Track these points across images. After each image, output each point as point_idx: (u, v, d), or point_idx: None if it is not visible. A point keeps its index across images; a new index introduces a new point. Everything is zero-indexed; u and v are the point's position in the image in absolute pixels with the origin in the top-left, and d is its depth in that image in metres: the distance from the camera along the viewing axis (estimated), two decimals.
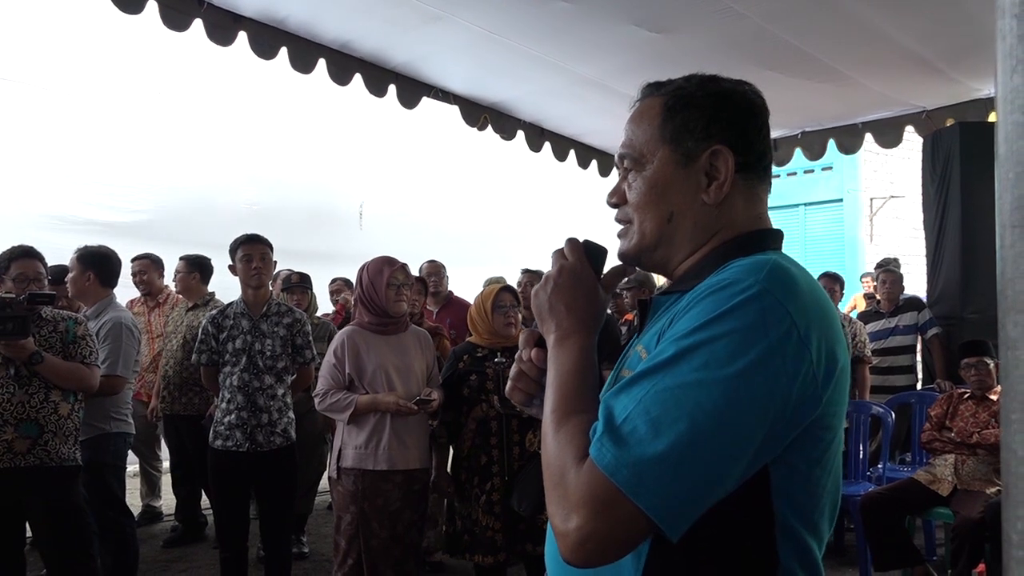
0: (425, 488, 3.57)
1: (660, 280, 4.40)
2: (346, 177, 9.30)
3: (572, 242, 1.14)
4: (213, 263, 5.12)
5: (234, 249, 3.85)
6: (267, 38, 4.44)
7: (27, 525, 3.42)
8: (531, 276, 5.38)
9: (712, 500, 0.87)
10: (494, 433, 3.49)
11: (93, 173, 7.37)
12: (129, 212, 7.38)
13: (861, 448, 4.84)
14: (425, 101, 5.33)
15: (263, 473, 3.74)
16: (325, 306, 6.21)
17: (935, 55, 4.64)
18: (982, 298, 5.38)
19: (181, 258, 5.20)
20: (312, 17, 4.42)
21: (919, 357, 6.13)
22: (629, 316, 5.51)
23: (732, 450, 0.87)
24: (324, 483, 5.08)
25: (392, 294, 3.52)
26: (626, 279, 5.34)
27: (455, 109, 5.53)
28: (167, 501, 5.71)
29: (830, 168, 13.16)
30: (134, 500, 5.40)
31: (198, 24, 4.17)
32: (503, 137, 5.96)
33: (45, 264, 3.60)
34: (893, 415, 4.87)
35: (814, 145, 6.16)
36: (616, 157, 1.16)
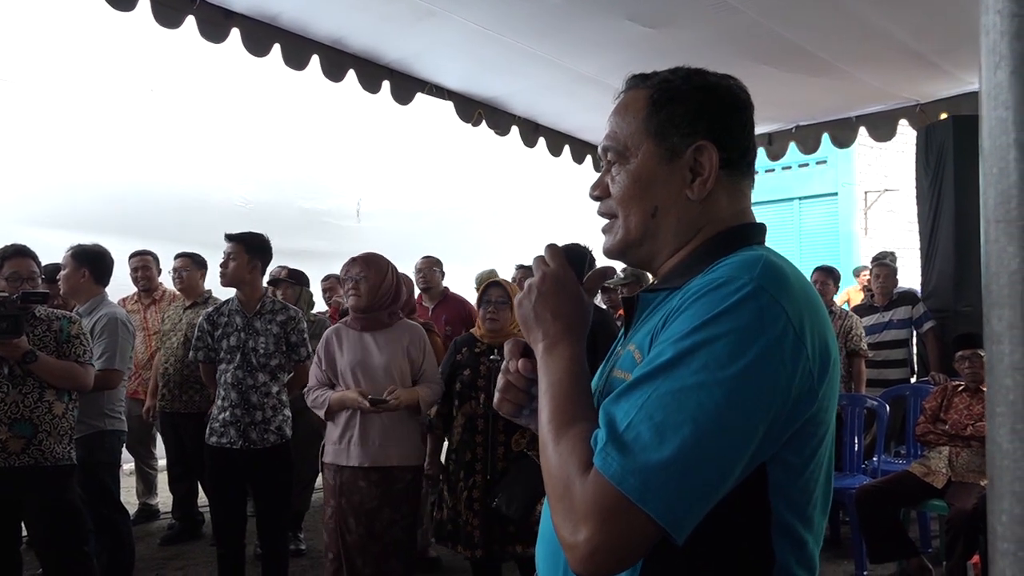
0: (411, 486, 3.51)
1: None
2: (342, 174, 9.30)
3: (552, 248, 1.13)
4: (208, 260, 5.13)
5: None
6: (260, 34, 4.43)
7: (22, 524, 3.43)
8: (525, 272, 5.39)
9: (715, 500, 0.87)
10: (480, 431, 3.49)
11: (85, 171, 7.35)
12: (122, 210, 7.35)
13: (856, 441, 4.86)
14: (419, 97, 5.32)
15: (257, 470, 3.74)
16: (324, 303, 6.21)
17: (928, 49, 4.65)
18: (975, 291, 5.36)
19: (185, 255, 5.18)
20: (305, 13, 4.41)
21: (914, 351, 6.14)
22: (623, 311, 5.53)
23: (736, 450, 0.87)
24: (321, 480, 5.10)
25: (345, 288, 3.53)
26: (623, 275, 5.36)
27: (449, 105, 5.53)
28: (163, 499, 5.71)
29: (824, 162, 13.18)
30: (130, 498, 5.41)
31: (190, 21, 4.16)
32: (497, 133, 5.96)
33: (39, 263, 3.59)
34: (888, 408, 4.89)
35: (808, 139, 6.18)
36: (599, 149, 1.15)
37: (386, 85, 5.09)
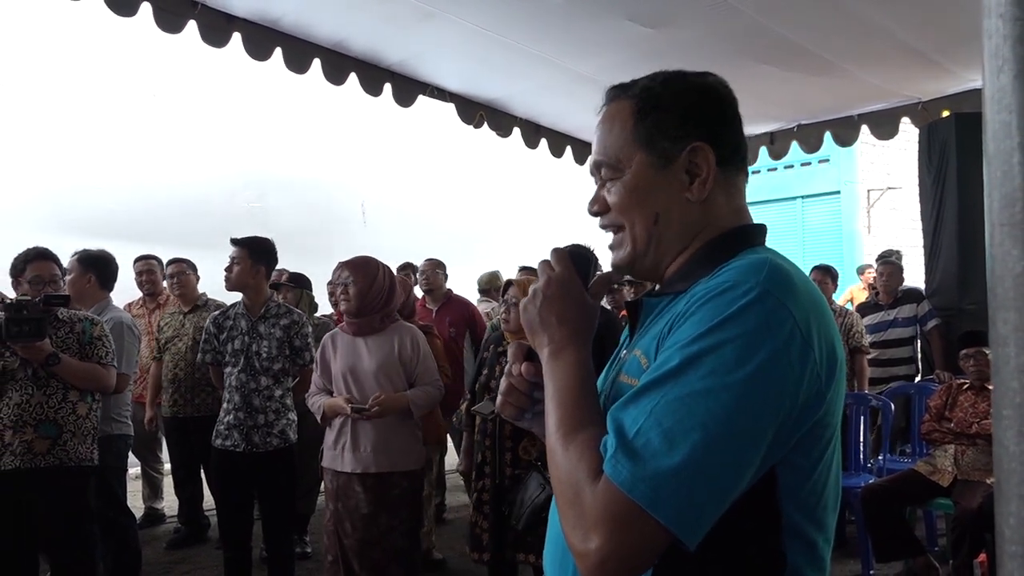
0: (409, 492, 3.48)
1: None
2: (345, 176, 9.31)
3: (558, 252, 1.12)
4: (211, 263, 5.12)
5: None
6: (261, 39, 4.43)
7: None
8: (528, 274, 5.38)
9: (727, 504, 0.88)
10: (488, 434, 3.48)
11: (89, 176, 7.37)
12: (126, 214, 7.37)
13: (861, 440, 4.85)
14: (421, 99, 5.32)
15: (260, 474, 3.75)
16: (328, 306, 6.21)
17: (930, 46, 4.64)
18: (980, 289, 5.38)
19: (178, 260, 5.17)
20: (306, 17, 4.42)
21: (919, 348, 6.11)
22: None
23: (746, 455, 0.87)
24: None
25: (336, 293, 3.53)
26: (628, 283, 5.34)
27: (451, 107, 5.53)
28: (169, 503, 5.71)
29: (827, 160, 13.14)
30: (136, 502, 5.41)
31: (192, 26, 4.16)
32: (499, 134, 5.96)
33: (61, 266, 3.63)
34: (892, 406, 4.88)
35: (810, 138, 6.16)
36: (591, 165, 1.14)
37: (388, 88, 5.09)
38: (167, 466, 5.62)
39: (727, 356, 0.87)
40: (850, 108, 5.83)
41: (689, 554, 0.87)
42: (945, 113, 5.56)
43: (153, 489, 5.78)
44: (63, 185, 7.19)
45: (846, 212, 13.58)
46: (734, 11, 4.09)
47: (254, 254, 3.82)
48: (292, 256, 5.44)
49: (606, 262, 1.22)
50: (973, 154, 5.31)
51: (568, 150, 6.48)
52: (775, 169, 12.84)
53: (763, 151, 6.24)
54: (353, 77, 4.89)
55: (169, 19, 4.08)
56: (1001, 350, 0.50)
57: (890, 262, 6.14)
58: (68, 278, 4.12)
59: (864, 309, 6.11)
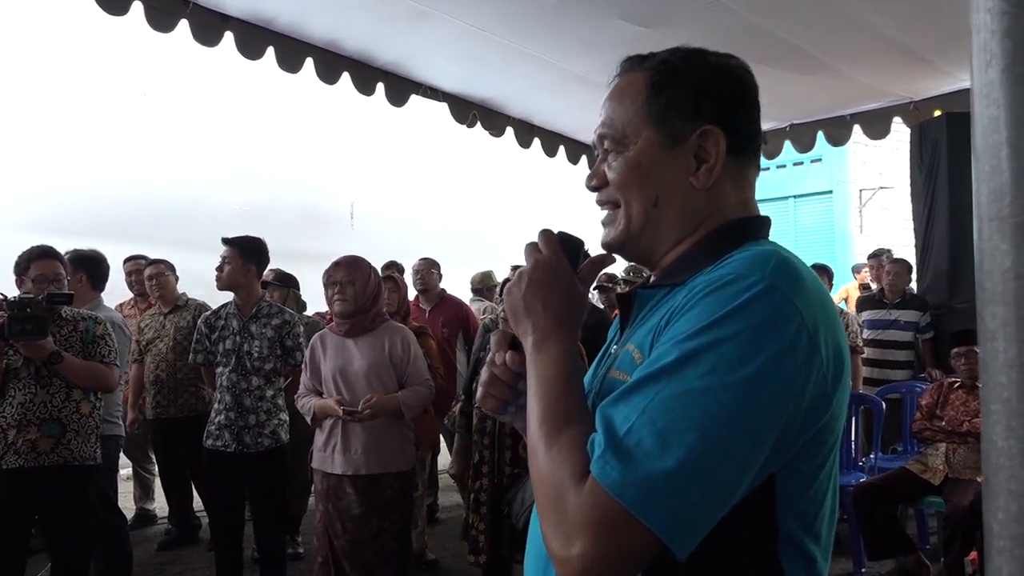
0: (399, 494, 3.46)
1: None
2: (336, 176, 9.31)
3: (546, 234, 1.04)
4: (200, 263, 5.11)
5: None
6: (253, 38, 4.41)
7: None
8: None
9: (722, 513, 0.82)
10: (487, 432, 3.45)
11: (79, 176, 7.34)
12: (116, 214, 7.34)
13: (853, 439, 4.87)
14: (414, 99, 5.31)
15: (252, 474, 3.74)
16: (319, 305, 6.19)
17: (921, 46, 4.66)
18: (970, 288, 5.23)
19: (159, 261, 5.14)
20: (299, 16, 4.41)
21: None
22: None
23: (745, 459, 0.81)
24: None
25: (330, 294, 3.47)
26: (626, 275, 5.34)
27: (444, 106, 5.52)
28: (161, 504, 5.69)
29: (819, 160, 13.19)
30: (127, 503, 5.39)
31: (184, 25, 4.15)
32: (492, 134, 5.96)
33: (65, 264, 3.62)
34: (884, 405, 4.90)
35: (803, 137, 6.18)
36: (595, 137, 1.07)
37: (380, 87, 5.08)
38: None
39: (729, 353, 0.81)
40: (842, 108, 5.85)
41: (678, 564, 0.81)
42: (937, 113, 5.58)
43: (144, 490, 5.75)
44: (53, 185, 7.17)
45: (838, 211, 13.64)
46: (727, 11, 4.10)
47: (245, 253, 3.80)
48: (281, 257, 5.42)
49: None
50: (964, 153, 5.31)
51: (561, 149, 6.49)
52: (768, 168, 12.85)
53: None
54: (346, 76, 4.89)
55: (161, 18, 4.07)
56: (990, 345, 0.50)
57: (900, 260, 6.07)
58: None
59: (865, 303, 6.09)
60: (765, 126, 6.18)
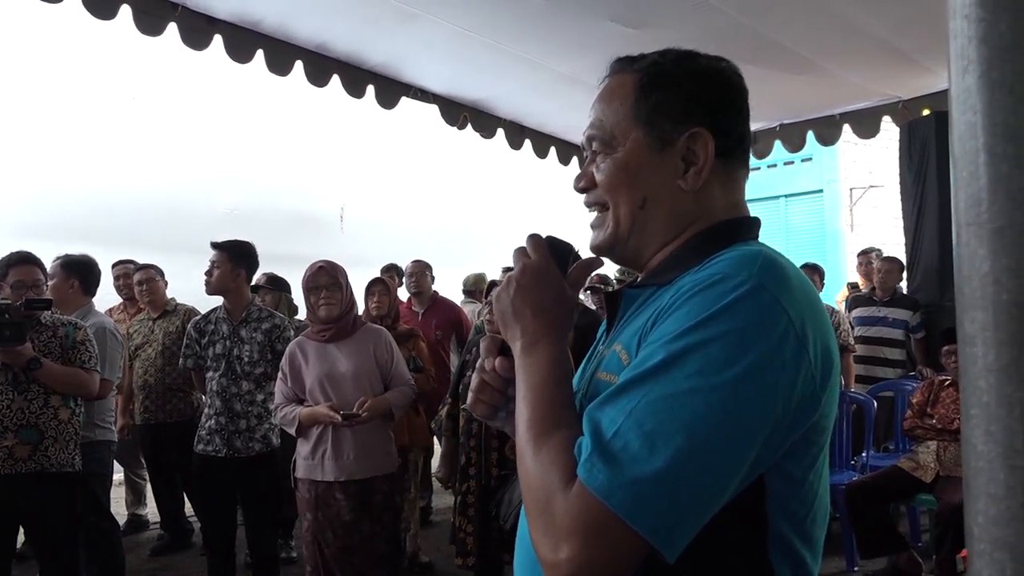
0: (389, 497, 3.45)
1: None
2: (326, 179, 9.30)
3: (535, 238, 1.04)
4: (191, 267, 5.09)
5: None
6: (242, 40, 4.40)
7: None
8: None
9: (711, 515, 0.81)
10: (474, 434, 3.45)
11: (68, 180, 7.32)
12: (106, 218, 7.32)
13: (845, 437, 4.88)
14: (404, 101, 5.31)
15: (243, 479, 3.73)
16: None
17: (909, 45, 4.68)
18: None
19: (149, 266, 5.13)
20: (288, 19, 4.40)
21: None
22: None
23: (733, 461, 0.81)
24: None
25: (313, 299, 3.42)
26: (620, 275, 5.35)
27: (434, 109, 5.52)
28: (153, 509, 5.67)
29: (809, 159, 13.22)
30: (120, 509, 5.37)
31: (172, 28, 4.13)
32: (483, 136, 5.95)
33: (44, 270, 3.61)
34: (875, 403, 4.92)
35: (793, 137, 6.20)
36: (583, 138, 1.07)
37: (370, 89, 5.08)
38: None
39: (715, 354, 0.81)
40: (832, 107, 5.88)
41: (668, 565, 0.80)
42: (925, 112, 5.62)
43: (136, 495, 5.73)
44: (41, 189, 7.14)
45: (829, 210, 13.68)
46: (716, 11, 4.11)
47: (234, 258, 3.79)
48: (272, 260, 5.41)
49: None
50: None
51: (552, 151, 6.49)
52: (758, 168, 12.83)
53: None
54: (336, 79, 4.88)
55: (149, 21, 4.05)
56: (969, 349, 0.51)
57: (891, 259, 6.09)
58: (51, 283, 4.09)
59: (855, 301, 6.12)
60: (755, 126, 6.20)
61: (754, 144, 6.30)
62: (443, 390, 5.07)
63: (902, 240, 6.15)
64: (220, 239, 3.86)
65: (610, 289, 5.41)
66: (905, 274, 6.06)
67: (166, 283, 5.16)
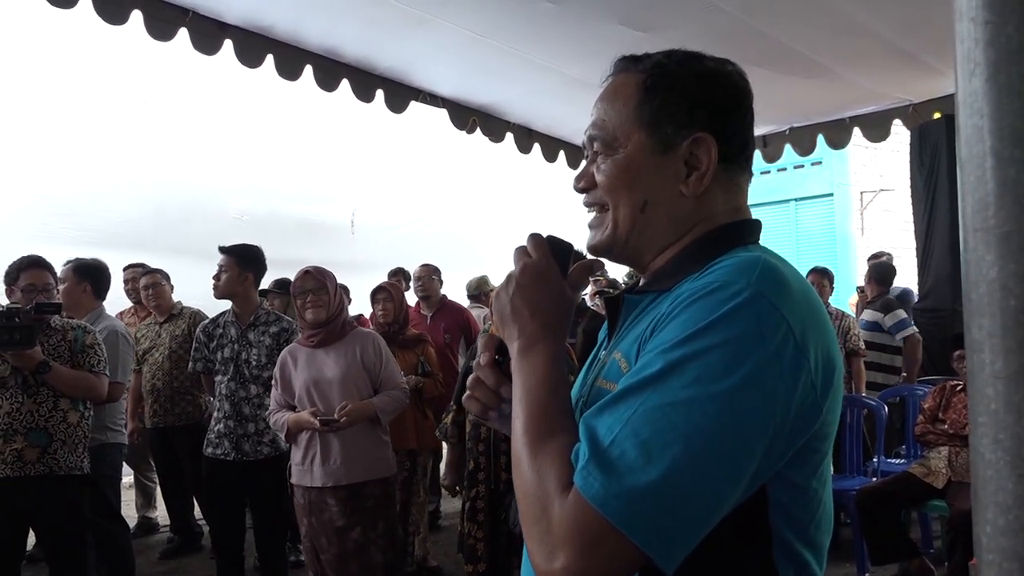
0: (382, 501, 3.39)
1: None
2: (336, 184, 9.30)
3: (535, 238, 1.03)
4: (202, 272, 5.11)
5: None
6: (253, 45, 4.43)
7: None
8: None
9: (710, 526, 0.80)
10: (482, 439, 3.42)
11: (80, 184, 7.36)
12: (116, 222, 7.36)
13: (856, 443, 4.85)
14: (413, 105, 5.32)
15: (251, 482, 3.73)
16: None
17: (920, 48, 4.66)
18: None
19: (155, 270, 5.15)
20: (297, 24, 4.42)
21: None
22: None
23: (731, 472, 0.80)
24: None
25: (300, 303, 3.40)
26: (632, 278, 5.34)
27: (443, 113, 5.53)
28: (163, 512, 5.69)
29: (820, 163, 13.19)
30: (130, 512, 5.39)
31: (183, 33, 4.16)
32: (492, 139, 5.96)
33: (55, 275, 3.63)
34: (886, 408, 4.88)
35: (803, 141, 6.18)
36: (585, 138, 1.05)
37: (380, 94, 5.09)
38: None
39: (713, 363, 0.80)
40: (842, 111, 5.85)
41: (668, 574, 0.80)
42: (936, 115, 5.58)
43: (146, 498, 5.75)
44: (52, 193, 7.18)
45: (839, 214, 13.63)
46: (725, 14, 4.10)
47: (242, 262, 3.81)
48: (282, 265, 5.43)
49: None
50: None
51: (561, 154, 6.49)
52: (768, 172, 12.86)
53: (756, 154, 6.23)
54: (345, 83, 4.90)
55: (160, 27, 4.08)
56: (976, 356, 0.50)
57: (875, 262, 6.13)
58: (63, 287, 4.12)
59: (859, 306, 6.13)
60: (765, 129, 6.20)
61: (764, 147, 6.29)
62: (451, 394, 5.08)
63: (913, 244, 6.12)
64: (228, 243, 3.88)
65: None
66: (916, 278, 6.04)
67: (172, 287, 5.18)
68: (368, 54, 4.84)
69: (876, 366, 5.76)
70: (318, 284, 3.37)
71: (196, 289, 5.33)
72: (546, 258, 1.01)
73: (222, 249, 3.83)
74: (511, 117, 5.98)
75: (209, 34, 4.26)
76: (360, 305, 5.77)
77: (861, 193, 13.57)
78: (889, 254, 7.08)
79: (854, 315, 6.18)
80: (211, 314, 4.22)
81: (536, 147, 6.29)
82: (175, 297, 5.20)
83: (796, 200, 14.00)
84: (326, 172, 9.19)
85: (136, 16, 3.97)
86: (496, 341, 1.06)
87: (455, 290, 6.35)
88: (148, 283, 5.06)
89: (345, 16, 4.37)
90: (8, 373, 3.25)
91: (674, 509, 0.77)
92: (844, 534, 4.76)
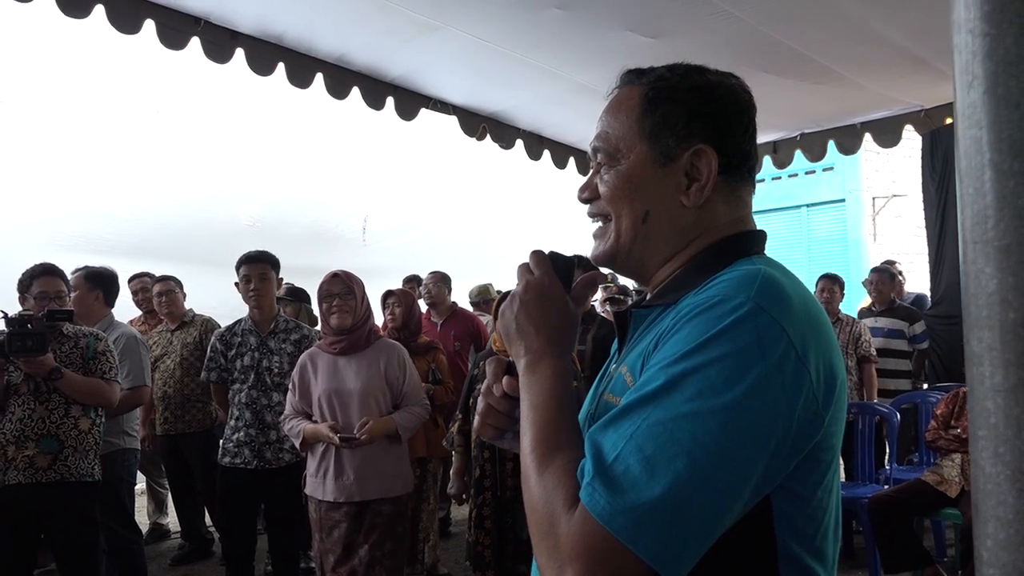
0: (391, 520, 3.30)
1: None
2: (348, 192, 9.32)
3: (537, 255, 1.05)
4: (213, 280, 5.14)
5: (237, 268, 3.87)
6: (264, 54, 4.45)
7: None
8: None
9: (714, 539, 0.81)
10: (487, 447, 3.41)
11: (91, 193, 7.40)
12: (129, 231, 7.40)
13: (868, 450, 4.81)
14: (423, 112, 5.33)
15: (272, 489, 3.73)
16: None
17: (931, 53, 4.63)
18: None
19: (168, 277, 5.16)
20: (309, 32, 4.44)
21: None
22: None
23: (734, 485, 0.81)
24: None
25: (326, 307, 3.32)
26: (636, 292, 5.33)
27: (453, 120, 5.54)
28: (174, 518, 5.71)
29: (831, 168, 13.12)
30: (142, 518, 5.42)
31: (195, 42, 4.19)
32: (502, 146, 5.96)
33: (67, 282, 3.66)
34: (899, 416, 4.85)
35: (814, 146, 6.15)
36: (590, 149, 1.08)
37: (390, 101, 5.10)
38: None
39: (714, 377, 0.81)
40: (853, 116, 5.82)
41: None
42: (948, 121, 5.54)
43: (158, 504, 5.78)
44: (64, 202, 7.22)
45: (851, 220, 13.55)
46: (735, 20, 4.09)
47: (275, 268, 3.86)
48: (293, 273, 5.45)
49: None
50: None
51: (571, 161, 6.49)
52: (779, 178, 12.82)
53: (767, 160, 6.23)
54: (355, 91, 4.91)
55: (173, 36, 4.10)
56: (976, 369, 0.50)
57: (879, 269, 6.10)
58: (74, 295, 4.15)
59: (860, 315, 6.10)
60: (775, 135, 6.19)
61: (774, 153, 6.27)
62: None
63: (926, 250, 6.09)
64: (238, 251, 3.89)
65: (629, 300, 5.41)
66: (928, 284, 6.00)
67: (185, 295, 5.20)
68: (378, 62, 4.85)
69: (891, 373, 5.72)
70: (345, 288, 3.30)
71: (206, 297, 5.36)
72: (548, 274, 1.03)
73: (261, 256, 3.82)
74: (521, 124, 5.98)
75: (221, 43, 4.28)
76: None
77: (873, 199, 13.48)
78: (896, 263, 7.02)
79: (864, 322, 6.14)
80: (223, 323, 4.23)
81: (546, 154, 6.29)
82: (187, 305, 5.22)
83: (808, 206, 13.92)
84: (337, 180, 9.21)
85: (148, 25, 4.00)
86: (504, 364, 1.08)
87: (464, 298, 6.35)
88: (162, 290, 5.08)
89: (356, 24, 4.38)
90: (20, 380, 3.28)
91: (679, 523, 0.78)
92: (857, 542, 4.73)
